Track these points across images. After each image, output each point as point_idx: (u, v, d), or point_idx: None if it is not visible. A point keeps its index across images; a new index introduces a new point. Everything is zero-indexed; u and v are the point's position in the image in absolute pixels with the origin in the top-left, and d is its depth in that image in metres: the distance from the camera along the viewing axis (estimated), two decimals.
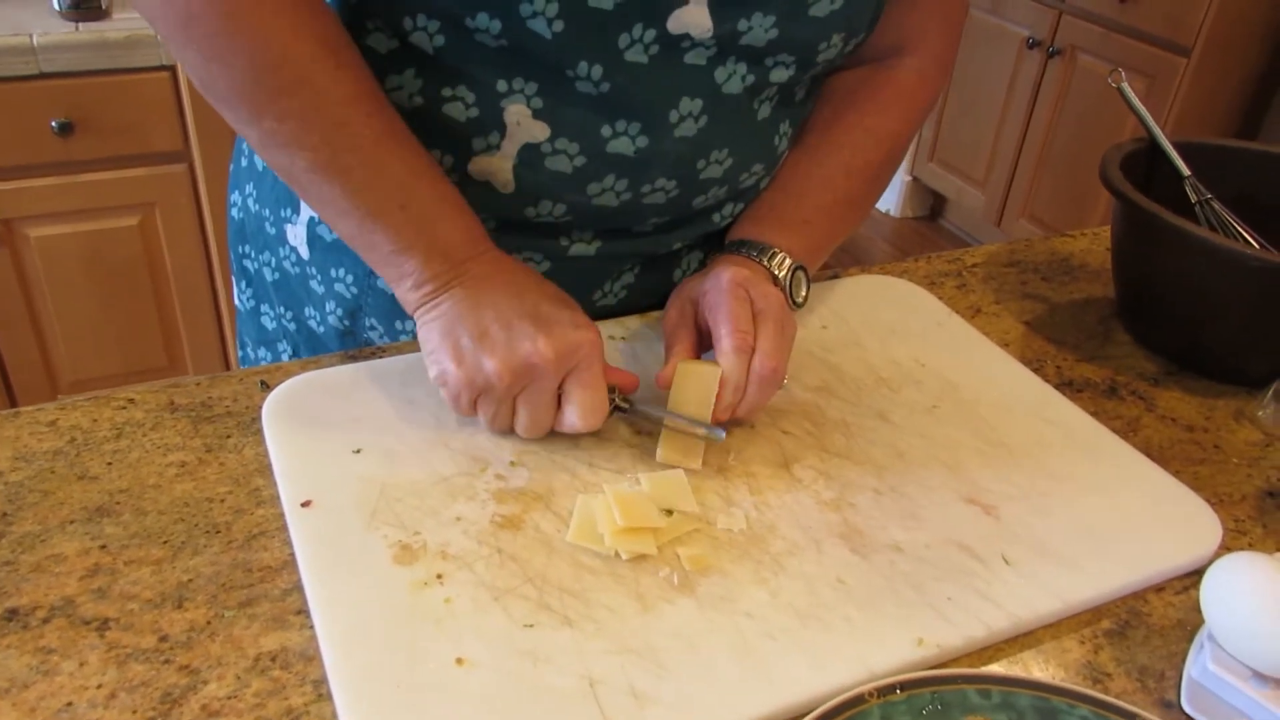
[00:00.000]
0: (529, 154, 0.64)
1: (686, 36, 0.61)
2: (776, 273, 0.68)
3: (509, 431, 0.62)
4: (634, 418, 0.64)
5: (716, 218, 0.74)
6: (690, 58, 0.62)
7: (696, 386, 0.61)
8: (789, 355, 0.64)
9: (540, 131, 0.63)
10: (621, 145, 0.64)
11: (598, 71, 0.61)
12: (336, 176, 0.58)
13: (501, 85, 0.62)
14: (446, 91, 0.63)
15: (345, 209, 0.60)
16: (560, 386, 0.59)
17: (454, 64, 0.62)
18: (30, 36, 1.53)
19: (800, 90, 0.72)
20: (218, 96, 0.58)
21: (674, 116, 0.64)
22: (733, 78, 0.64)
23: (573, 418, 0.60)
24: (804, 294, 0.70)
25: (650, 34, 0.60)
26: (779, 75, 0.66)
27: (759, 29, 0.62)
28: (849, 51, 0.68)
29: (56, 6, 1.61)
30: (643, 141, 0.64)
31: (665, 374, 0.62)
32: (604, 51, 0.60)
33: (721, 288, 0.64)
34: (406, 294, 0.61)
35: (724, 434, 0.61)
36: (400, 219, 0.59)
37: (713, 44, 0.62)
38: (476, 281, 0.60)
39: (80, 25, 1.59)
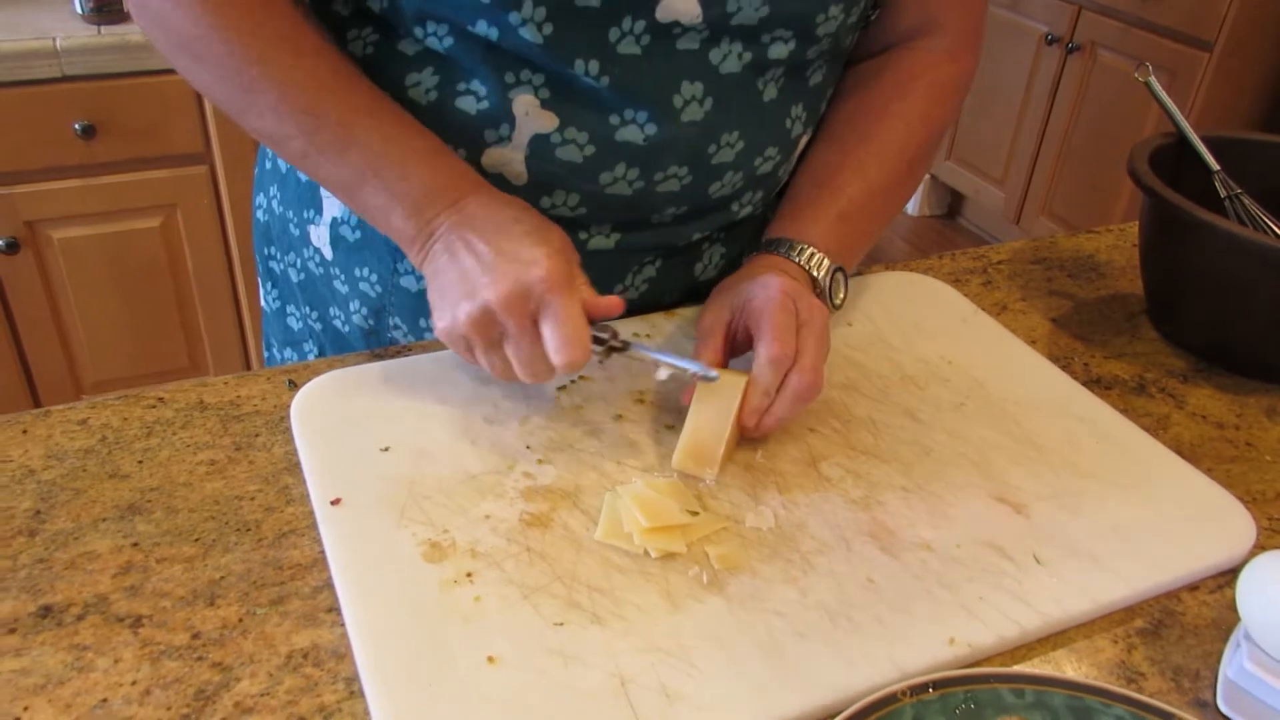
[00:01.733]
0: (539, 144, 0.65)
1: (676, 24, 0.61)
2: (815, 274, 0.68)
3: (514, 379, 0.60)
4: (620, 350, 0.62)
5: (735, 206, 0.74)
6: (683, 43, 0.62)
7: (721, 393, 0.60)
8: (824, 370, 0.63)
9: (549, 122, 0.64)
10: (630, 133, 0.64)
11: (594, 67, 0.61)
12: (319, 159, 0.62)
13: (509, 77, 0.63)
14: (460, 86, 0.64)
15: (335, 185, 0.63)
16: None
17: (464, 62, 0.64)
18: (53, 40, 1.54)
19: (815, 74, 0.71)
20: (218, 104, 0.64)
21: (678, 101, 0.64)
22: (729, 57, 0.64)
23: (553, 357, 0.57)
24: (842, 296, 0.70)
25: (640, 25, 0.60)
26: (779, 51, 0.65)
27: (749, 9, 0.61)
28: (855, 22, 0.67)
29: (79, 10, 1.63)
30: (651, 129, 0.64)
31: (690, 386, 0.62)
32: (597, 47, 0.61)
33: (771, 296, 0.62)
34: (413, 258, 0.62)
35: (716, 375, 0.60)
36: (375, 185, 0.61)
37: (704, 27, 0.62)
38: (451, 231, 0.60)
39: (102, 28, 1.60)
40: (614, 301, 0.60)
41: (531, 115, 0.64)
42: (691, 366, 0.60)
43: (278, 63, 0.60)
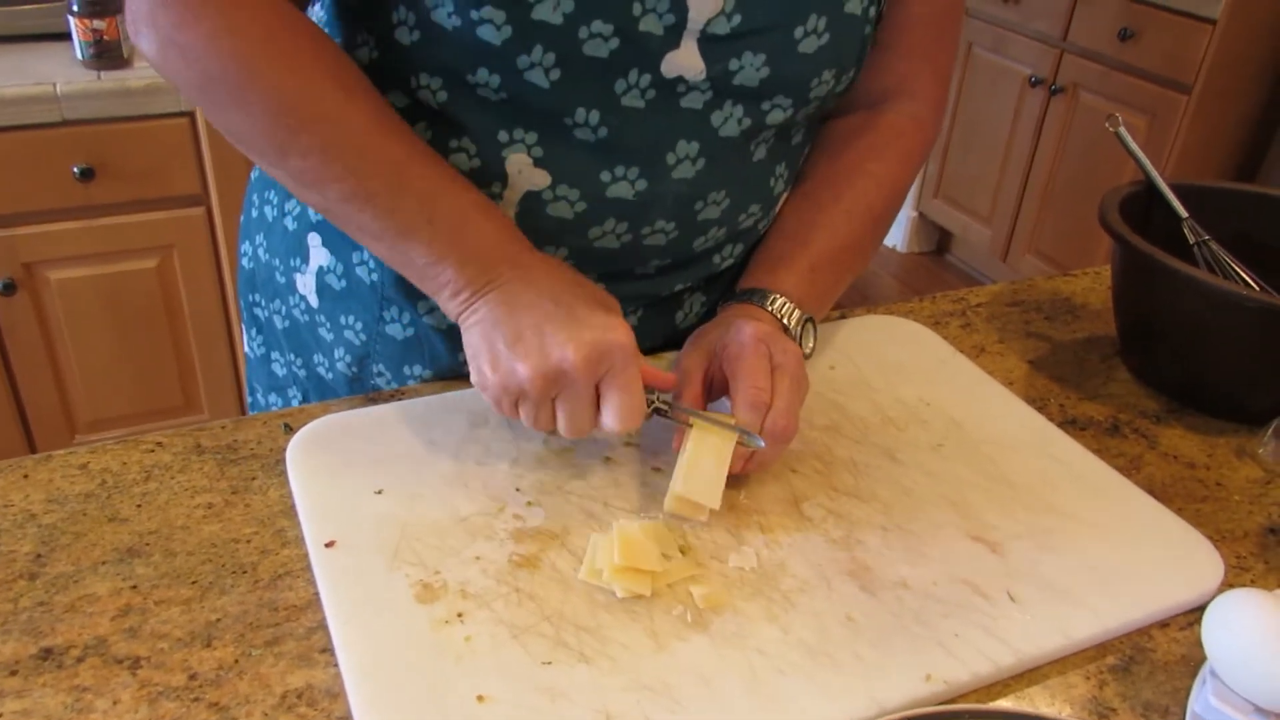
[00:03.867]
0: (531, 202, 0.66)
1: (681, 80, 0.63)
2: (786, 323, 0.70)
3: (553, 431, 0.62)
4: (672, 419, 0.64)
5: (716, 259, 0.76)
6: (687, 101, 0.65)
7: (710, 441, 0.62)
8: (800, 411, 0.65)
9: (541, 179, 0.66)
10: (621, 189, 0.66)
11: (595, 117, 0.63)
12: (366, 203, 0.61)
13: (503, 136, 0.65)
14: (452, 143, 0.66)
15: (378, 232, 0.62)
16: (598, 388, 0.60)
17: (457, 118, 0.65)
18: (54, 85, 1.57)
19: (797, 133, 0.74)
20: (245, 144, 0.62)
21: (671, 159, 0.66)
22: (729, 121, 0.66)
23: (610, 420, 0.60)
24: (811, 345, 0.72)
25: (645, 79, 0.62)
26: (775, 117, 0.68)
27: (750, 68, 0.64)
28: (840, 90, 0.70)
29: (79, 56, 1.66)
30: (642, 185, 0.66)
31: (677, 439, 0.63)
32: (601, 98, 0.63)
33: (743, 342, 0.65)
34: (447, 303, 0.62)
35: (762, 441, 0.61)
36: (429, 233, 0.61)
37: (708, 86, 0.64)
38: (512, 285, 0.61)
39: (102, 74, 1.63)
40: (671, 379, 0.63)
41: (524, 174, 0.65)
42: (735, 430, 0.61)
43: (329, 101, 0.59)
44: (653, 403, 0.63)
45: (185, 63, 0.60)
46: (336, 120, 0.60)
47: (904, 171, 0.78)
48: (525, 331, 0.59)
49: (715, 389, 0.67)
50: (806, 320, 0.71)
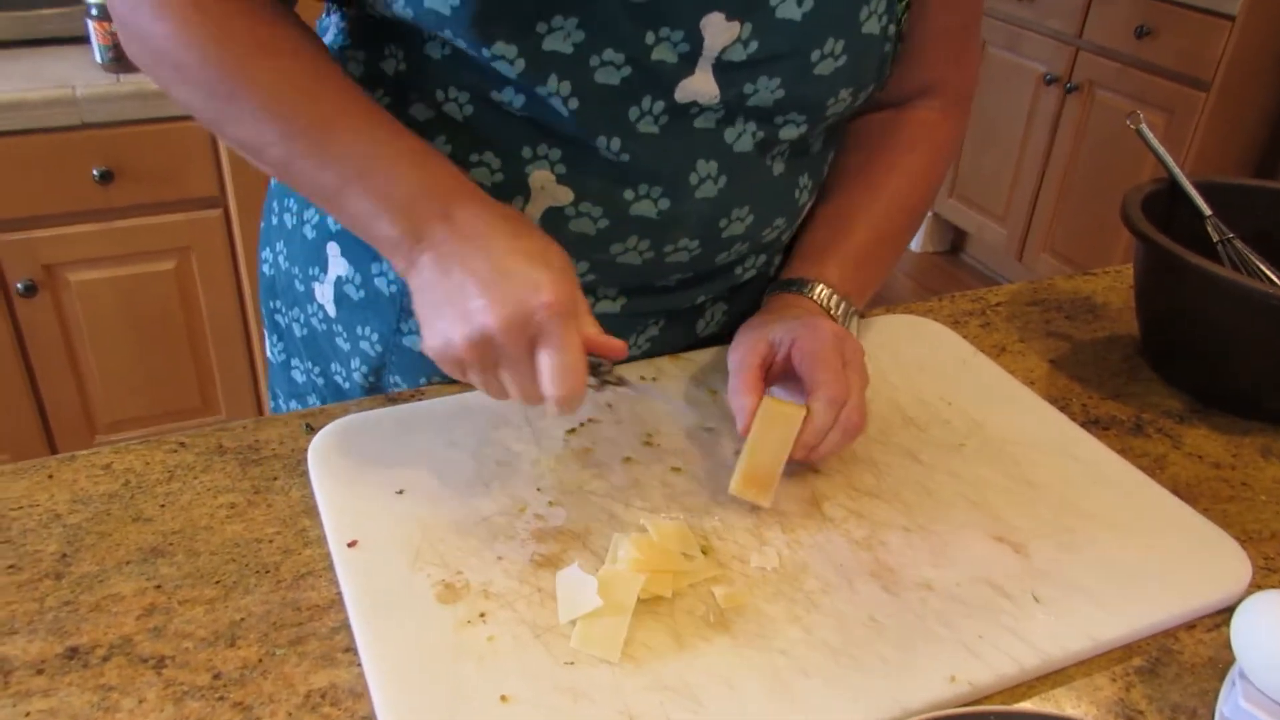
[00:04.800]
0: (553, 216, 0.66)
1: (694, 104, 0.63)
2: (834, 313, 0.71)
3: (508, 399, 0.59)
4: (626, 390, 0.62)
5: (739, 270, 0.76)
6: (700, 122, 0.64)
7: (779, 426, 0.62)
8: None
9: (564, 195, 0.65)
10: (644, 208, 0.66)
11: (616, 144, 0.63)
12: (302, 165, 0.59)
13: (526, 152, 0.64)
14: (474, 157, 0.65)
15: (315, 192, 0.60)
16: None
17: (482, 132, 0.65)
18: (73, 89, 1.59)
19: (816, 142, 0.74)
20: (200, 119, 0.63)
21: (694, 179, 0.66)
22: (743, 136, 0.66)
23: (546, 386, 0.55)
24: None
25: (659, 105, 0.62)
26: (789, 133, 0.68)
27: (765, 91, 0.63)
28: (859, 104, 0.70)
29: (98, 59, 1.67)
30: (665, 204, 0.66)
31: (748, 417, 0.63)
32: (618, 124, 0.62)
33: (821, 338, 0.65)
34: (396, 265, 0.60)
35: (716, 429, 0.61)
36: (359, 188, 0.58)
37: (720, 107, 0.64)
38: (446, 243, 0.57)
39: (121, 76, 1.64)
40: (618, 345, 0.59)
41: (547, 189, 0.65)
42: (688, 410, 0.61)
43: (255, 67, 0.58)
44: (601, 374, 0.61)
45: (139, 46, 0.61)
46: (261, 83, 0.58)
47: (936, 165, 0.78)
48: (453, 294, 0.56)
49: (772, 378, 0.67)
50: (853, 313, 0.72)
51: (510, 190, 0.65)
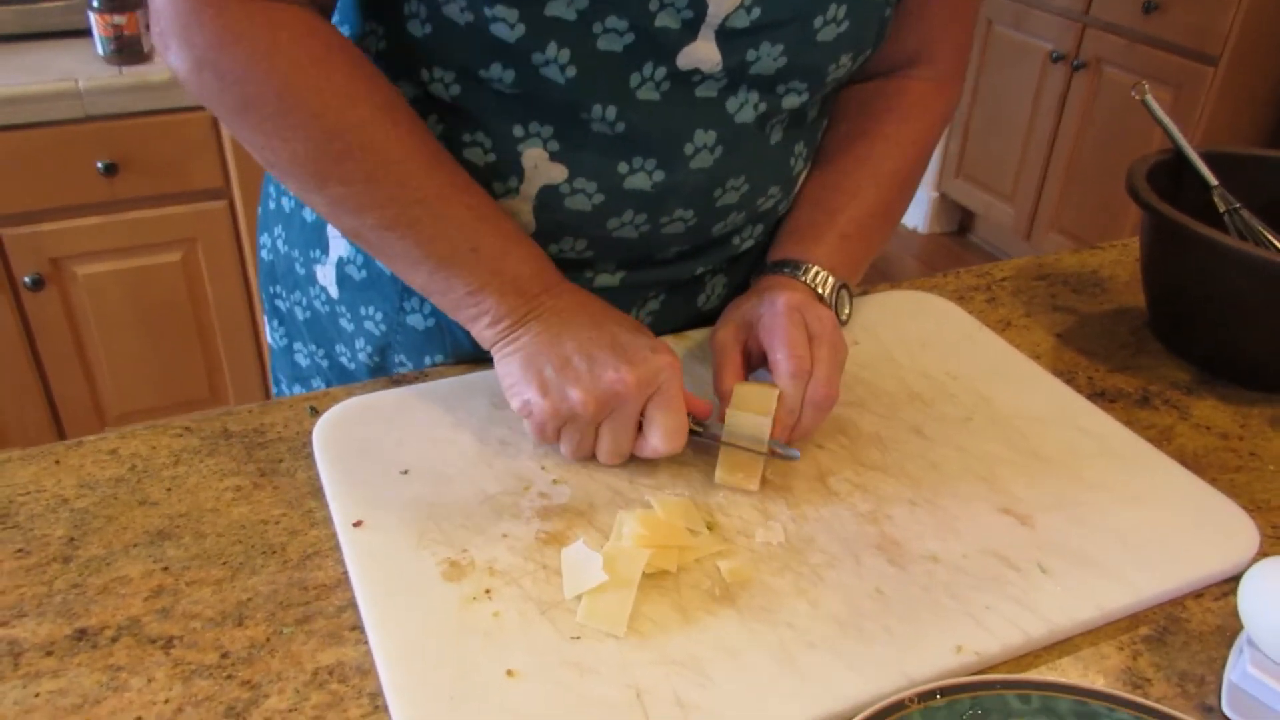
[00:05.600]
0: (548, 195, 0.66)
1: (696, 71, 0.62)
2: (821, 291, 0.70)
3: (590, 458, 0.63)
4: (705, 441, 0.64)
5: (736, 240, 0.76)
6: (701, 90, 0.64)
7: (754, 407, 0.62)
8: (840, 378, 0.65)
9: (558, 173, 0.65)
10: (639, 181, 0.66)
11: (611, 112, 0.62)
12: (407, 231, 0.60)
13: (518, 131, 0.64)
14: (466, 137, 0.65)
15: (417, 259, 0.62)
16: (641, 412, 0.61)
17: (471, 111, 0.64)
18: (76, 81, 1.59)
19: (812, 111, 0.73)
20: (281, 170, 0.61)
21: (689, 149, 0.65)
22: (745, 107, 0.66)
23: (656, 441, 0.61)
24: (847, 311, 0.72)
25: (661, 71, 0.62)
26: (791, 101, 0.67)
27: (767, 58, 0.63)
28: (857, 69, 0.70)
29: (100, 52, 1.67)
30: (659, 176, 0.66)
31: (724, 397, 0.64)
32: (616, 92, 0.62)
33: (778, 311, 0.65)
34: (483, 331, 0.63)
35: (798, 454, 0.62)
36: (472, 261, 0.61)
37: (723, 76, 0.63)
38: (553, 314, 0.62)
39: (123, 69, 1.65)
40: (707, 406, 0.64)
41: (540, 168, 0.65)
42: (770, 446, 0.62)
43: (372, 128, 0.58)
44: (693, 429, 0.63)
45: (221, 85, 0.58)
46: (380, 148, 0.59)
47: (926, 133, 0.77)
48: (573, 357, 0.60)
49: (753, 361, 0.68)
50: (841, 287, 0.71)
51: (504, 170, 0.65)
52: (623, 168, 0.65)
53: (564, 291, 0.64)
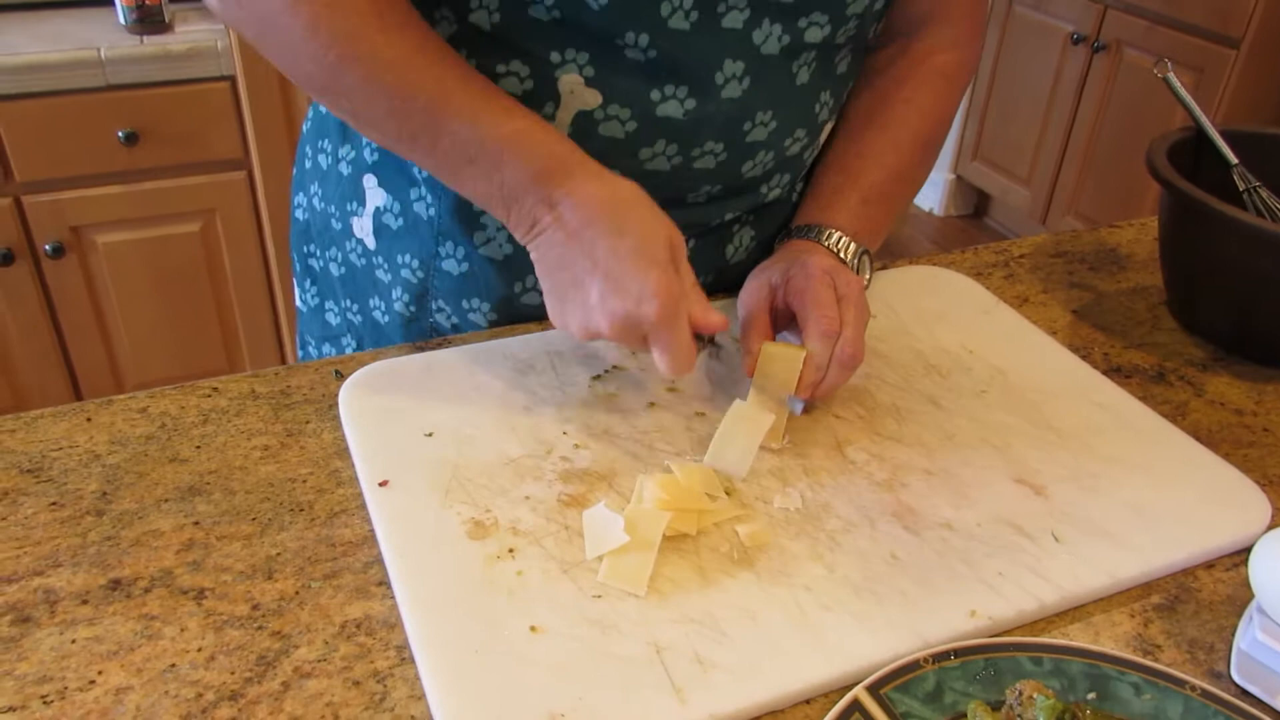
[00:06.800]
0: (583, 121, 0.67)
1: (722, 1, 0.64)
2: (843, 256, 0.72)
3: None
4: (721, 362, 0.66)
5: (764, 188, 0.77)
6: (728, 20, 0.65)
7: (781, 367, 0.64)
8: (864, 340, 0.66)
9: (593, 99, 0.67)
10: (671, 108, 0.67)
11: (645, 39, 0.64)
12: (412, 145, 0.62)
13: (555, 56, 0.65)
14: (500, 68, 0.67)
15: (433, 169, 0.64)
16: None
17: (509, 39, 0.66)
18: (98, 50, 1.60)
19: (842, 62, 0.74)
20: (316, 95, 0.64)
21: (719, 78, 0.67)
22: (769, 39, 0.67)
23: (659, 368, 0.61)
24: (868, 277, 0.73)
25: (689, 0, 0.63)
26: (814, 35, 0.68)
27: None
28: (879, 9, 0.71)
29: (122, 21, 1.68)
30: (691, 104, 0.67)
31: (750, 361, 0.65)
32: (649, 19, 0.63)
33: (810, 274, 0.67)
34: (516, 234, 0.64)
35: (801, 407, 0.65)
36: (472, 173, 0.62)
37: (746, 7, 0.65)
38: (558, 228, 0.61)
39: (145, 38, 1.65)
40: (718, 321, 0.62)
41: (576, 93, 0.66)
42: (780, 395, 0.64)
43: (364, 39, 0.59)
44: (703, 345, 0.64)
45: (242, 12, 0.61)
46: (372, 58, 0.59)
47: (946, 97, 0.78)
48: (568, 290, 0.61)
49: (779, 323, 0.69)
50: (863, 253, 0.73)
51: (541, 97, 0.67)
52: (655, 95, 0.66)
53: (566, 200, 0.61)
